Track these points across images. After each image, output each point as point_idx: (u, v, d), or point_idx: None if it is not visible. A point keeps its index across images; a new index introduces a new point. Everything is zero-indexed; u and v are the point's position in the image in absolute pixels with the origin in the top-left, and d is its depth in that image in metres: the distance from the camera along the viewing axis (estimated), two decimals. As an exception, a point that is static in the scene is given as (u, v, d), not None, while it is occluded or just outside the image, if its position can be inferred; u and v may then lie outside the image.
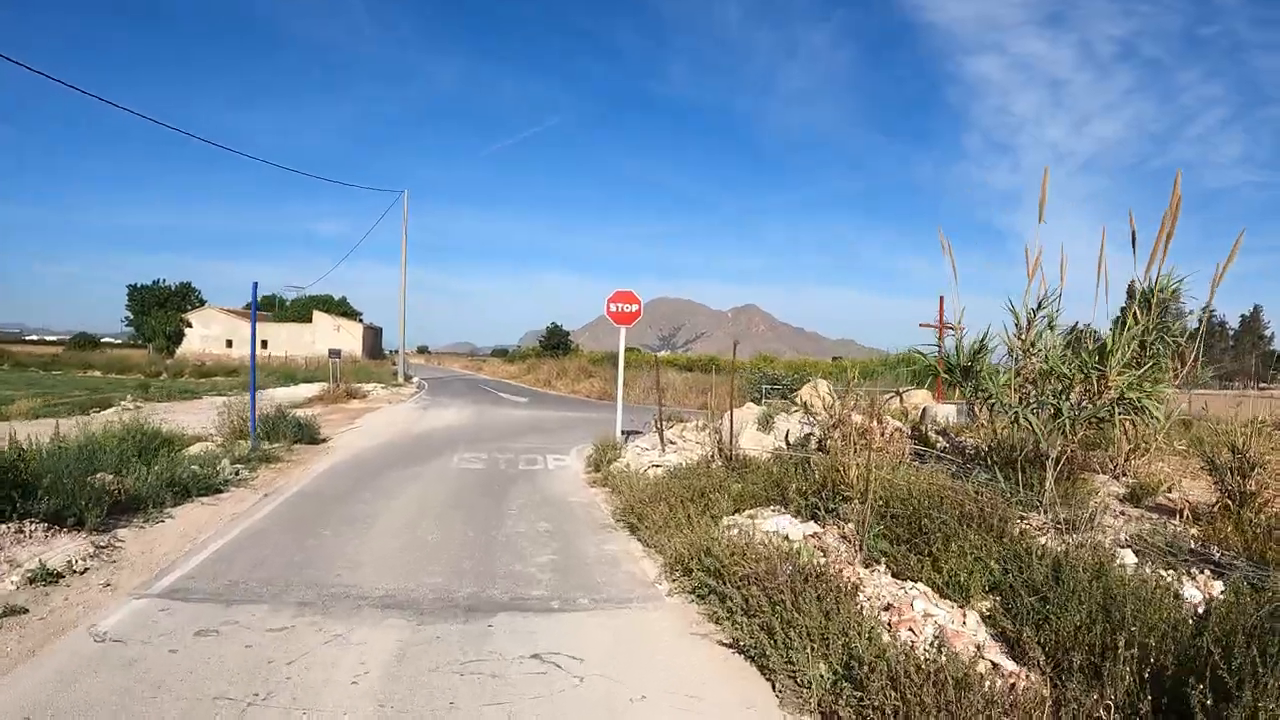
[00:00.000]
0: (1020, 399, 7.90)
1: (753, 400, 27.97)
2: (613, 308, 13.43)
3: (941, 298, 14.50)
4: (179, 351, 71.80)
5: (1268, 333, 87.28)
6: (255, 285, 14.22)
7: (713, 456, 10.36)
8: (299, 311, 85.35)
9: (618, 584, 6.46)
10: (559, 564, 6.96)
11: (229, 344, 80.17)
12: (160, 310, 75.33)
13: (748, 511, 7.99)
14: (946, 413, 14.65)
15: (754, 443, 10.17)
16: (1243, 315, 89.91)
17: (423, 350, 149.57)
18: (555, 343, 68.65)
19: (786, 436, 10.52)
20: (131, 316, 75.74)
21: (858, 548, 6.25)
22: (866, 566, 5.93)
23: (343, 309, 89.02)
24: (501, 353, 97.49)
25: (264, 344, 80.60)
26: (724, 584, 5.52)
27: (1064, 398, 7.31)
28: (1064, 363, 7.48)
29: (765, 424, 11.22)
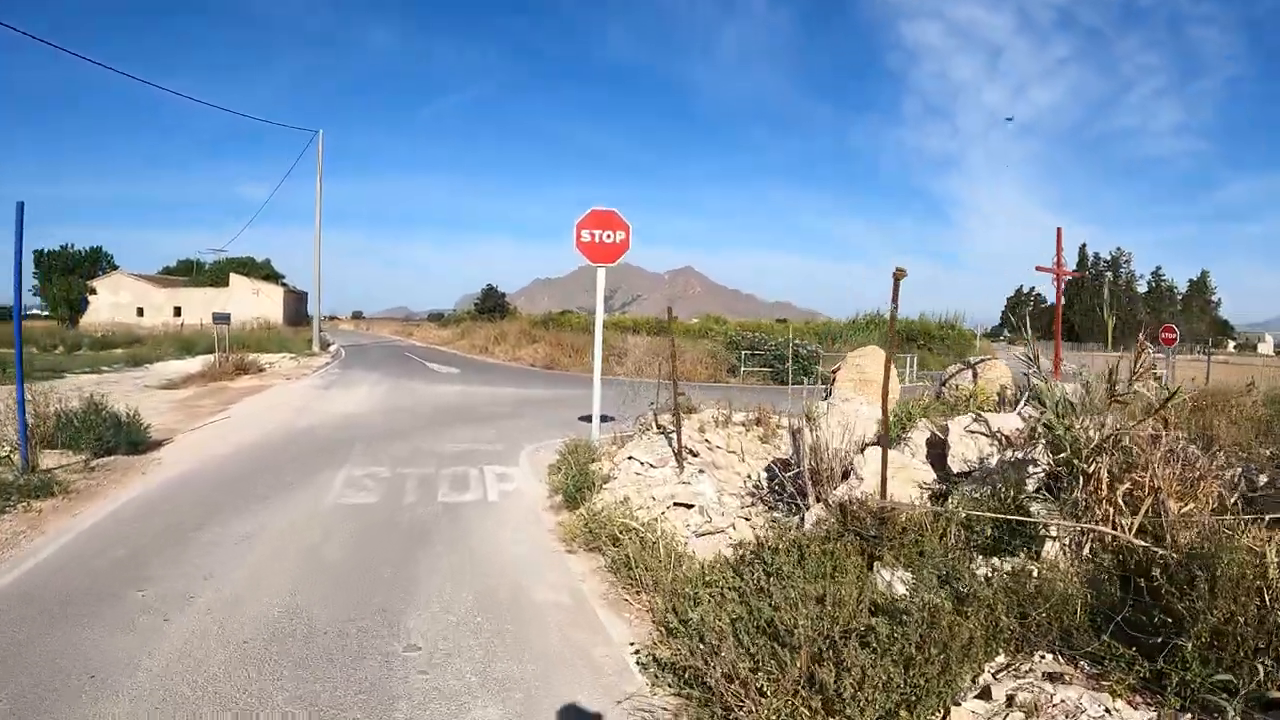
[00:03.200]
0: None
1: (730, 371, 22.77)
2: (585, 237, 8.16)
3: (1059, 229, 9.73)
4: (83, 321, 63.33)
5: (1215, 298, 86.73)
6: (20, 206, 8.46)
7: (798, 489, 5.38)
8: (217, 276, 76.93)
9: None
10: None
11: (140, 312, 71.57)
12: (62, 277, 66.81)
13: (1007, 680, 3.07)
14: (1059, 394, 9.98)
15: (882, 468, 5.18)
16: (1190, 280, 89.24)
17: (357, 316, 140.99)
18: (491, 305, 62.35)
19: (938, 449, 5.57)
20: (39, 285, 67.00)
21: None
22: None
23: (265, 272, 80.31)
24: (437, 317, 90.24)
25: (177, 311, 72.10)
26: None
27: None
28: None
29: (898, 429, 6.20)
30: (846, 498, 4.99)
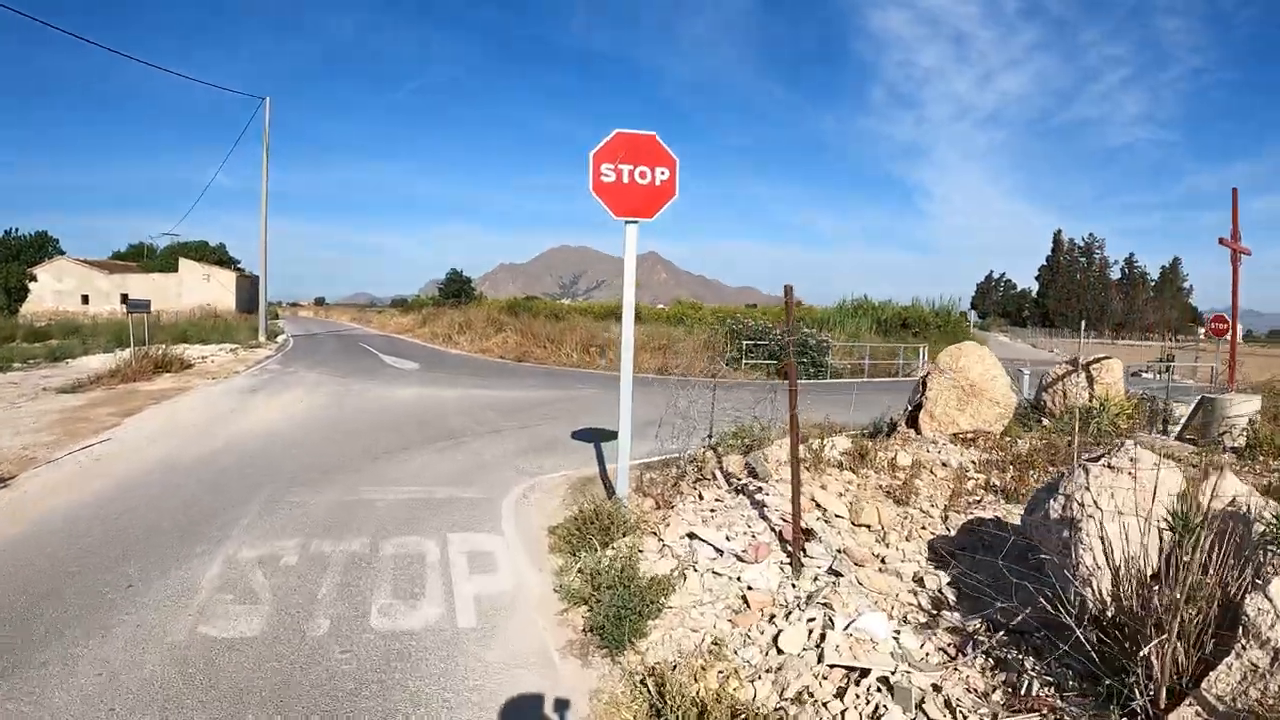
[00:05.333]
0: None
1: (729, 363, 19.52)
2: (607, 174, 4.96)
3: (1235, 190, 6.93)
4: (24, 309, 58.18)
5: (1186, 284, 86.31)
6: None
7: (1148, 674, 2.40)
8: (170, 261, 71.68)
9: None
10: None
11: (85, 299, 66.22)
12: (2, 264, 61.60)
13: None
14: (1247, 411, 7.20)
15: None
16: (1163, 267, 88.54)
17: (319, 302, 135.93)
18: (455, 290, 58.44)
19: None
20: (-21, 272, 61.76)
21: None
22: None
23: (218, 256, 74.92)
24: (401, 303, 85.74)
25: (124, 298, 66.79)
26: None
27: None
28: None
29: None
30: (1261, 698, 2.03)
